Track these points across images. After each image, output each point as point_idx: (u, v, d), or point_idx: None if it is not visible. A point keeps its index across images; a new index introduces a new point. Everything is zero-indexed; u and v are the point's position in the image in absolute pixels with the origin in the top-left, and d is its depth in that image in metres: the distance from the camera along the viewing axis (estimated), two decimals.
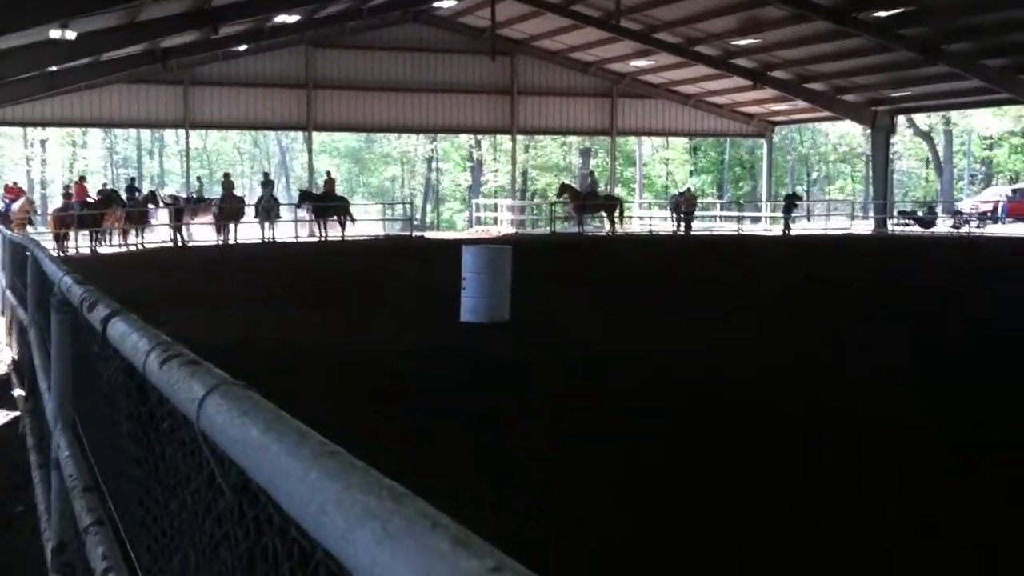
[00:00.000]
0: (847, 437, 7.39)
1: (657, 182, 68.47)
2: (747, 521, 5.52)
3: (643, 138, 58.39)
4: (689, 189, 47.05)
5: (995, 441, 7.29)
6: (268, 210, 34.82)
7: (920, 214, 46.01)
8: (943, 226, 44.18)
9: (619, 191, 52.63)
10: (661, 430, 7.60)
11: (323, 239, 35.34)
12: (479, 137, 60.16)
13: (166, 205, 34.72)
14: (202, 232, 35.49)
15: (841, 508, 5.77)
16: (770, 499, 5.95)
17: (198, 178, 40.85)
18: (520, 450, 6.97)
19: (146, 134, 68.34)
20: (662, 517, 5.62)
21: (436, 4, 38.61)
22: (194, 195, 36.68)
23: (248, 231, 34.84)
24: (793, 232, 41.74)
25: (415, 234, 41.22)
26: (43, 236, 29.04)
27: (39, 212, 42.51)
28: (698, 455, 6.92)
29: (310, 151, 44.82)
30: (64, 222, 31.28)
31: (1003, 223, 45.89)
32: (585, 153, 64.39)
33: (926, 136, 65.56)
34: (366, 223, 41.04)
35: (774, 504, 5.85)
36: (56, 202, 38.06)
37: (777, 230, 43.11)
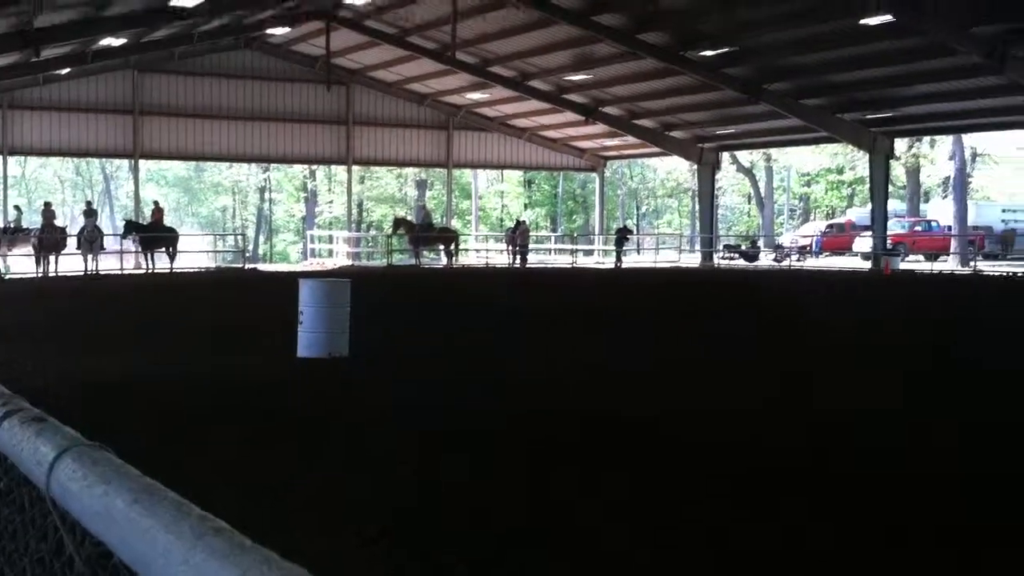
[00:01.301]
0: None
1: (492, 215, 69.04)
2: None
3: (478, 171, 58.89)
4: (523, 222, 47.58)
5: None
6: (91, 241, 33.42)
7: (744, 248, 47.87)
8: (766, 259, 46.07)
9: (455, 223, 52.81)
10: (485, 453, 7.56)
11: (150, 271, 34.20)
12: (313, 167, 59.45)
13: None
14: (20, 264, 33.82)
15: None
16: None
17: (16, 207, 38.95)
18: (364, 490, 6.82)
19: None
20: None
21: (269, 31, 37.94)
22: (11, 225, 34.97)
23: (70, 263, 33.40)
24: (624, 264, 42.72)
25: (247, 266, 40.33)
26: None
27: None
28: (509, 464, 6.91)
29: (136, 180, 43.33)
30: None
31: (817, 257, 48.36)
32: (421, 185, 64.45)
33: (748, 172, 68.21)
34: (196, 255, 39.91)
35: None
36: None
37: (609, 263, 43.99)
